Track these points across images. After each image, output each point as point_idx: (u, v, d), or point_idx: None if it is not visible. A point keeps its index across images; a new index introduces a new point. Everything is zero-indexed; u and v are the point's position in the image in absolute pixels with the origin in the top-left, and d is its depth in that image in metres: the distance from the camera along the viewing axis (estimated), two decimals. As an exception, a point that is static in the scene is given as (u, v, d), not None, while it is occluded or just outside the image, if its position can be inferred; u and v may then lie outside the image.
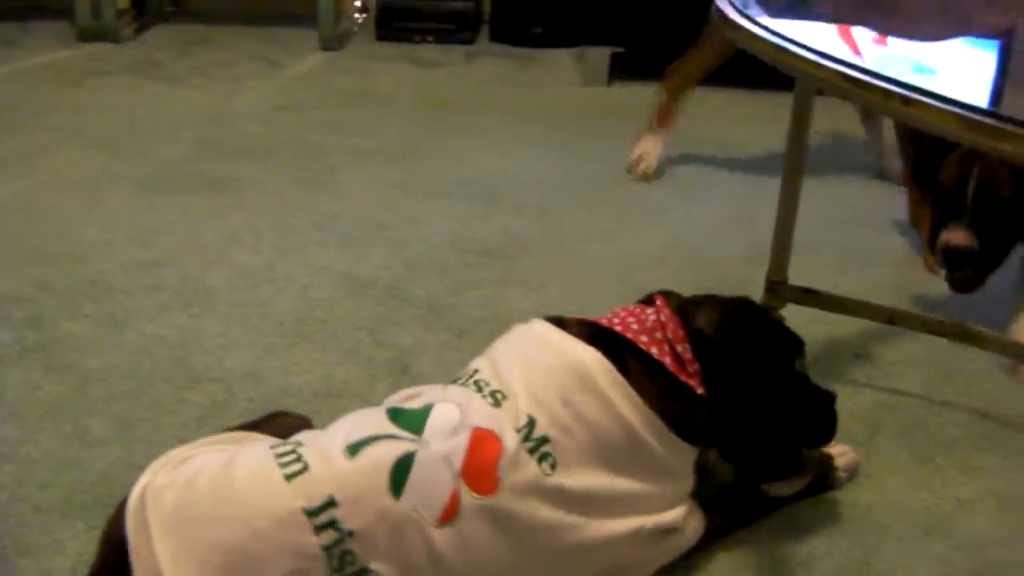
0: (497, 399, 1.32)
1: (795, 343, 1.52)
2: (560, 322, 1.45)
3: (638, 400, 1.33)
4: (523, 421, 1.29)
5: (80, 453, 1.66)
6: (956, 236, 1.99)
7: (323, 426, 1.38)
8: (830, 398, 1.54)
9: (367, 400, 1.78)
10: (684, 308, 1.46)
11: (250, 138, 3.22)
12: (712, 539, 1.49)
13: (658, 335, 1.40)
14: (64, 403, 1.78)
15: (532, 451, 1.27)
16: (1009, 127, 0.98)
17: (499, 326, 1.98)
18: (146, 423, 1.74)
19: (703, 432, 1.40)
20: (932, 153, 2.07)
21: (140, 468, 1.31)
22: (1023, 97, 1.34)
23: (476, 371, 1.39)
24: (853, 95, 1.19)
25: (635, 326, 1.41)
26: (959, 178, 1.99)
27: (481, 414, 1.30)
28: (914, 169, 2.16)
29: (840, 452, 1.67)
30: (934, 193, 2.07)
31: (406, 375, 1.89)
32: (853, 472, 1.67)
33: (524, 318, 1.50)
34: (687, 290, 1.55)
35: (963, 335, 1.88)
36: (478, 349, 1.48)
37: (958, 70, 1.37)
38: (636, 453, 1.33)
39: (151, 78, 3.87)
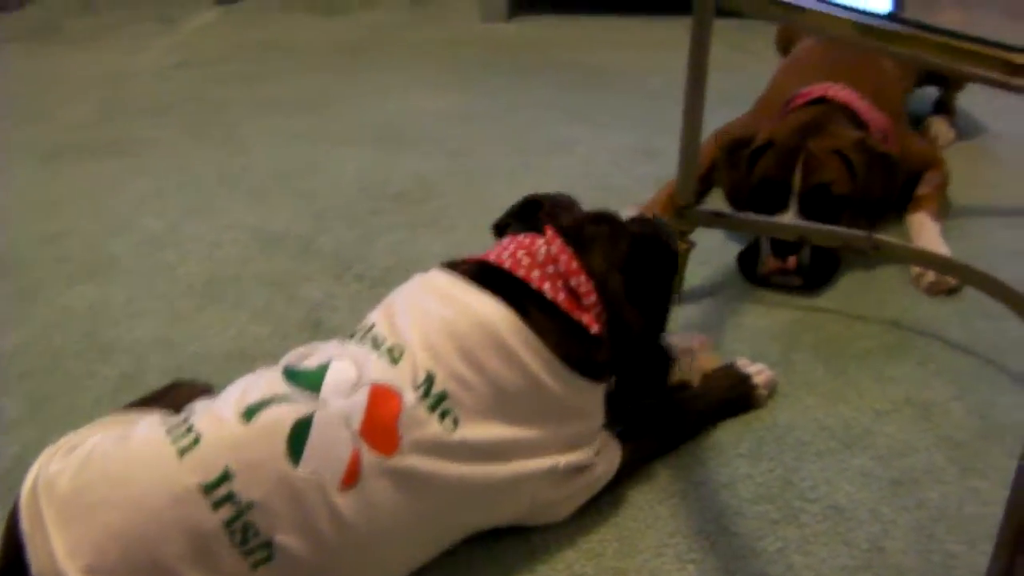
0: (394, 356, 1.28)
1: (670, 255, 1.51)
2: (453, 265, 1.41)
3: (543, 350, 1.30)
4: (421, 377, 1.26)
5: (-8, 437, 1.62)
6: (786, 217, 2.00)
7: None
8: None
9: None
10: (574, 236, 1.41)
11: (152, 97, 3.17)
12: (634, 468, 1.49)
13: (550, 269, 1.36)
14: (-27, 385, 1.75)
15: (432, 407, 1.24)
16: (905, 29, 0.98)
17: (411, 272, 1.95)
18: (60, 400, 1.71)
19: (606, 366, 1.38)
20: (747, 176, 2.10)
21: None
22: (926, 6, 1.34)
23: (372, 326, 1.35)
24: (750, 7, 1.17)
25: (526, 261, 1.37)
26: (784, 172, 2.02)
27: (379, 371, 1.26)
28: (734, 194, 2.16)
29: (757, 370, 1.67)
30: (755, 198, 2.08)
31: (319, 330, 1.87)
32: (772, 389, 1.69)
33: (436, 262, 1.47)
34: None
35: (872, 246, 1.88)
36: (389, 299, 1.45)
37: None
38: (541, 400, 1.31)
39: (47, 43, 3.80)
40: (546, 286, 1.34)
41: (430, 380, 1.26)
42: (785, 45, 2.77)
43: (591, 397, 1.38)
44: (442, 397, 1.25)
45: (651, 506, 1.46)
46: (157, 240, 2.23)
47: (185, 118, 2.97)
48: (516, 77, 3.33)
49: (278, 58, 3.58)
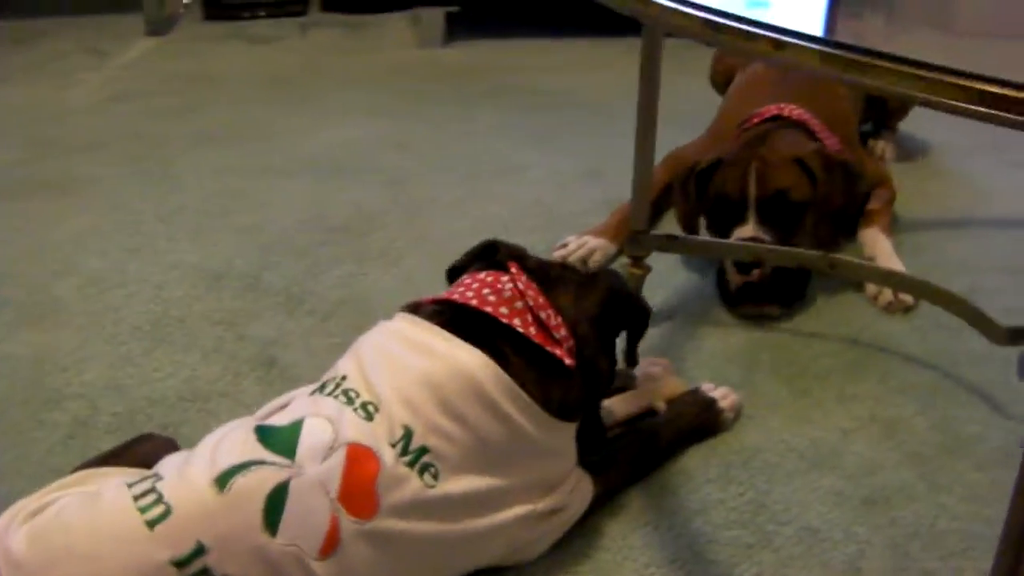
0: (369, 412, 1.24)
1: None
2: (415, 307, 1.37)
3: (522, 396, 1.27)
4: (399, 434, 1.22)
5: (-60, 496, 1.56)
6: (745, 230, 1.98)
7: (190, 435, 1.30)
8: None
9: (235, 400, 1.73)
10: (539, 276, 1.39)
11: (84, 134, 3.09)
12: (606, 500, 1.47)
13: (518, 304, 1.33)
14: (-86, 441, 1.68)
15: (412, 464, 1.21)
16: (876, 61, 0.96)
17: (362, 306, 1.94)
18: (9, 452, 1.64)
19: (579, 405, 1.36)
20: (700, 198, 2.08)
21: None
22: (856, 22, 1.33)
23: (344, 378, 1.30)
24: (716, 41, 1.15)
25: (492, 298, 1.33)
26: (739, 183, 2.00)
27: (355, 429, 1.22)
28: (687, 221, 2.14)
29: (723, 395, 1.66)
30: (713, 217, 2.07)
31: (273, 368, 1.82)
32: (738, 412, 1.67)
33: (386, 295, 1.44)
34: (543, 250, 1.50)
35: (828, 265, 1.89)
36: (343, 332, 1.42)
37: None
38: (521, 447, 1.28)
39: (-28, 81, 3.71)
40: (516, 321, 1.31)
41: (408, 435, 1.22)
42: (723, 80, 2.76)
43: (567, 437, 1.36)
44: (422, 451, 1.22)
45: (624, 537, 1.43)
46: (101, 280, 2.17)
47: (121, 153, 2.91)
48: (456, 103, 3.31)
49: (212, 89, 3.53)
